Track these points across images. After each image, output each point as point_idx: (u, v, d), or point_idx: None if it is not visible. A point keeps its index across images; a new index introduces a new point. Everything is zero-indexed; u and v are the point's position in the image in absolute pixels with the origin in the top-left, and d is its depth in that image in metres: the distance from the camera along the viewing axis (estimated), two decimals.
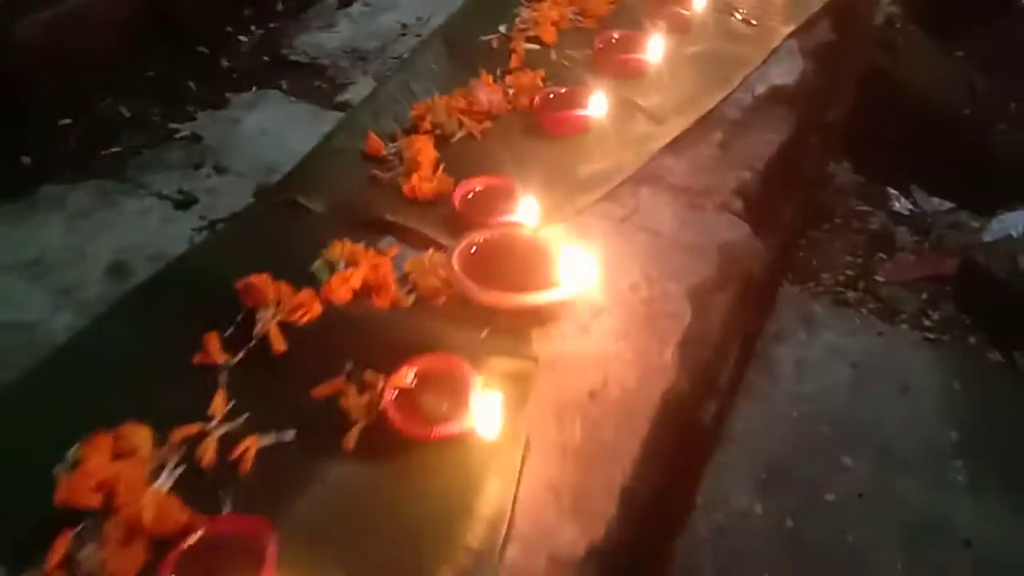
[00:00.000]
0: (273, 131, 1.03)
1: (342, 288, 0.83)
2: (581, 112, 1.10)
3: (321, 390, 0.75)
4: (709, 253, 0.94)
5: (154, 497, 0.65)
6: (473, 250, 0.88)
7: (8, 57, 1.08)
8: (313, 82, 1.19)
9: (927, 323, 1.97)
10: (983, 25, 2.24)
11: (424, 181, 0.97)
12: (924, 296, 2.03)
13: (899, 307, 2.01)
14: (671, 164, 1.06)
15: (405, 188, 0.97)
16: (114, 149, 1.11)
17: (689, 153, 1.06)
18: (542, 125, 1.11)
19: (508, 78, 1.18)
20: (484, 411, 0.71)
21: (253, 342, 0.79)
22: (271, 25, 1.35)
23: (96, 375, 0.78)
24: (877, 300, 2.02)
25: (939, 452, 1.68)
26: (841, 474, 1.66)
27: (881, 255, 2.14)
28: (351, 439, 0.72)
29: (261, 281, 0.81)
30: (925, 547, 1.53)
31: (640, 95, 1.18)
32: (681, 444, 0.84)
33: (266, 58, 1.24)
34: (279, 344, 0.79)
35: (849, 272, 2.09)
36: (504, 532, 0.66)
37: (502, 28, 1.33)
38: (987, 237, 2.02)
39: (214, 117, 1.13)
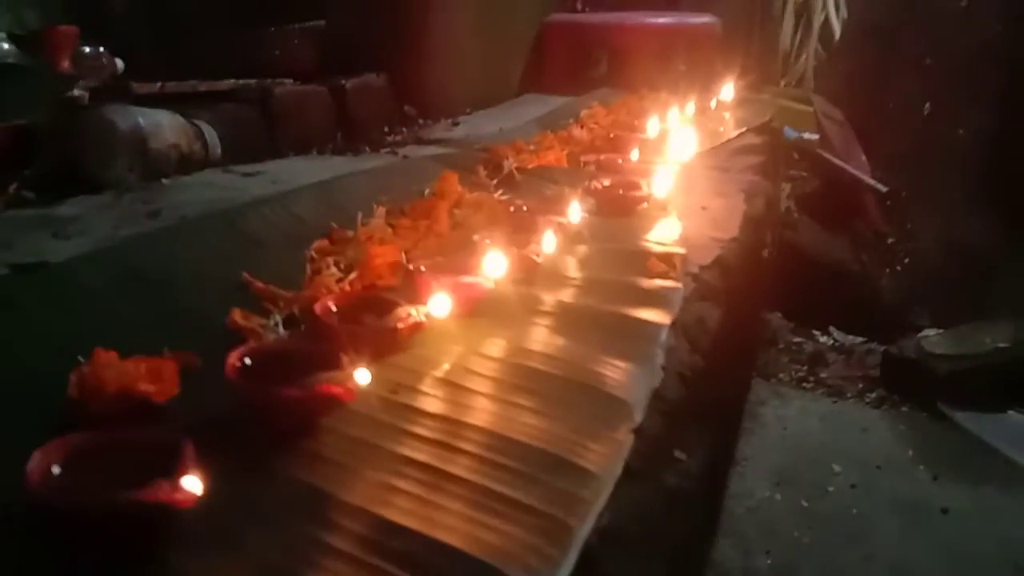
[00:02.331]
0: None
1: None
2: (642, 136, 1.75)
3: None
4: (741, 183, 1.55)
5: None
6: None
7: (272, 103, 1.72)
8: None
9: (867, 400, 2.52)
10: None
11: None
12: (860, 385, 2.60)
13: (844, 391, 2.56)
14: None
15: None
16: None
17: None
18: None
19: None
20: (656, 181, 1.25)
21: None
22: (405, 130, 2.02)
23: None
24: (826, 387, 2.58)
25: (903, 460, 2.14)
26: (834, 475, 2.07)
27: (818, 367, 2.73)
28: None
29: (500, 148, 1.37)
30: (912, 514, 1.92)
31: None
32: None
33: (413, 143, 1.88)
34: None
35: (800, 374, 2.67)
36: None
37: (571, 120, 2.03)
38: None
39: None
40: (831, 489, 2.00)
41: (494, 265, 0.82)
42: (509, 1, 2.80)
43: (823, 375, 2.64)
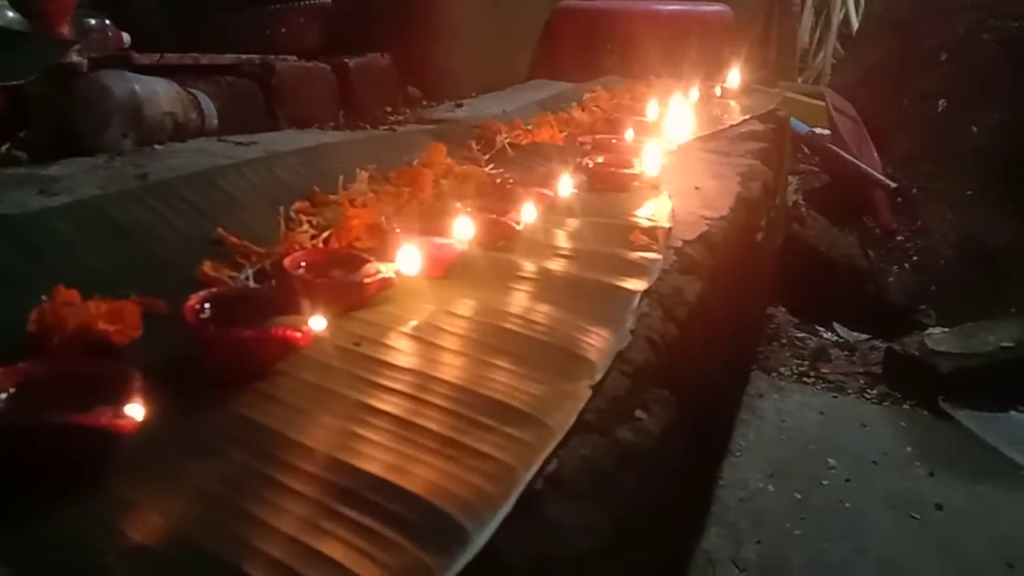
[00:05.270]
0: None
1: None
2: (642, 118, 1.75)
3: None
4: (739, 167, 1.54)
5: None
6: None
7: (274, 79, 1.73)
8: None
9: (868, 396, 2.50)
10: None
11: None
12: (862, 382, 2.58)
13: (845, 387, 2.54)
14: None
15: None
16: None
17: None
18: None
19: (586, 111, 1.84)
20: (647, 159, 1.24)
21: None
22: (408, 111, 2.02)
23: None
24: (827, 383, 2.56)
25: (901, 456, 2.12)
26: (829, 469, 2.06)
27: (820, 362, 2.71)
28: None
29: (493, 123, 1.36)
30: (906, 509, 1.90)
31: None
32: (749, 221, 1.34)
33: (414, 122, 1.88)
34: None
35: (802, 369, 2.65)
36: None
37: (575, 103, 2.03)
38: None
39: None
40: (825, 482, 1.99)
41: (466, 228, 0.82)
42: None
43: (824, 370, 2.62)
